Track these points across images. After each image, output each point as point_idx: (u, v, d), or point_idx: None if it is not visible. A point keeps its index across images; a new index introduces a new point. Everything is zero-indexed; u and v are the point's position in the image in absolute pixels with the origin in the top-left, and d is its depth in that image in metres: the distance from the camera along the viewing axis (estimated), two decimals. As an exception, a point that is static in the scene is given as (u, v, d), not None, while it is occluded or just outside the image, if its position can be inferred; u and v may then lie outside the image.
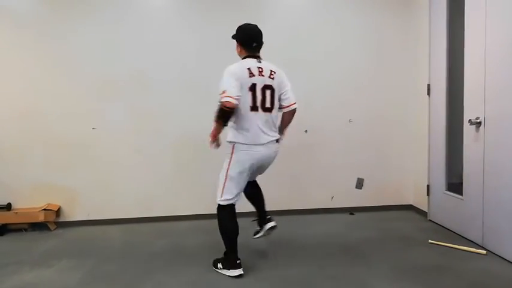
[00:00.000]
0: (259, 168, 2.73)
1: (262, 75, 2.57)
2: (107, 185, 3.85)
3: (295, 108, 2.78)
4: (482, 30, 2.97)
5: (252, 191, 2.95)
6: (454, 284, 2.44)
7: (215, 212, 2.67)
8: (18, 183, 3.76)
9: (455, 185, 3.48)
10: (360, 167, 4.10)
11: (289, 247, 3.12)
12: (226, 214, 2.63)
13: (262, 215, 2.99)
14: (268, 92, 2.59)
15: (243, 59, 2.64)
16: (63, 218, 3.84)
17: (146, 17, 3.82)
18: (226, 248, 2.67)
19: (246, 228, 2.95)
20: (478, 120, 3.01)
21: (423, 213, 3.89)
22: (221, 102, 2.43)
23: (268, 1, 3.95)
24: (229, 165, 2.61)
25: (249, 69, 2.54)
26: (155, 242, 3.33)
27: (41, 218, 3.64)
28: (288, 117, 2.82)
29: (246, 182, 2.68)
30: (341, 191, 4.10)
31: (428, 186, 3.81)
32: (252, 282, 2.53)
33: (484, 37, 2.95)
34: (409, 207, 4.15)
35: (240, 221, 2.67)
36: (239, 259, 2.63)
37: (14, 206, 3.76)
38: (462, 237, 3.25)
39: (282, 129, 2.84)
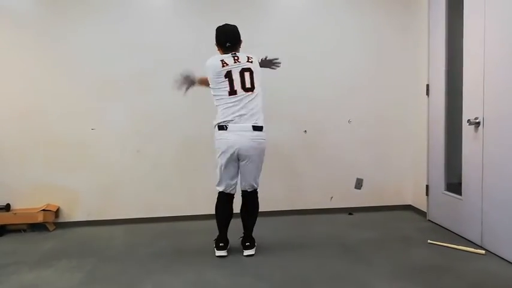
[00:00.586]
0: (244, 157, 2.83)
1: (239, 62, 2.83)
2: (107, 185, 3.85)
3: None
4: (481, 31, 2.98)
5: (243, 210, 3.00)
6: (453, 284, 2.45)
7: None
8: (17, 184, 3.75)
9: (454, 185, 3.48)
10: (359, 167, 4.11)
11: (289, 247, 3.12)
12: (218, 199, 2.96)
13: (243, 238, 3.01)
14: (247, 74, 2.82)
15: None
16: (62, 219, 3.83)
17: (146, 17, 3.82)
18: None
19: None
20: (477, 121, 3.02)
21: (422, 213, 3.90)
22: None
23: (268, 1, 3.96)
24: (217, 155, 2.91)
25: (222, 60, 2.82)
26: (155, 242, 3.33)
27: (39, 218, 3.63)
28: None
29: (228, 169, 2.86)
30: (340, 191, 4.11)
31: (427, 186, 3.82)
32: (252, 282, 2.53)
33: (483, 37, 2.96)
34: (408, 208, 4.16)
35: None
36: (223, 243, 2.94)
37: (13, 206, 3.75)
38: (461, 237, 3.26)
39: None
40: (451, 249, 3.02)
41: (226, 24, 2.94)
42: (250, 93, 2.81)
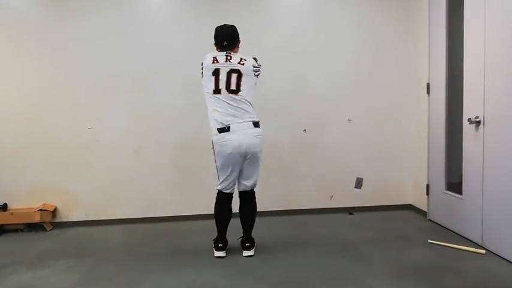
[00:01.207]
0: (249, 154, 2.80)
1: (230, 62, 2.80)
2: (105, 185, 3.82)
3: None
4: (481, 30, 2.96)
5: (242, 210, 2.98)
6: (453, 284, 2.43)
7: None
8: (15, 184, 3.73)
9: (454, 184, 3.47)
10: (359, 167, 4.09)
11: (289, 247, 3.10)
12: (217, 199, 2.94)
13: (243, 239, 2.99)
14: (234, 75, 2.78)
15: None
16: (60, 219, 3.81)
17: (146, 18, 3.80)
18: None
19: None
20: (478, 120, 3.00)
21: (422, 213, 3.88)
22: None
23: (268, 1, 3.94)
24: (215, 158, 2.87)
25: (214, 57, 2.82)
26: (153, 242, 3.31)
27: (36, 218, 3.61)
28: None
29: (234, 171, 2.84)
30: (340, 190, 4.09)
31: (427, 185, 3.80)
32: (252, 282, 2.51)
33: (483, 36, 2.94)
34: (409, 207, 4.14)
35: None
36: (222, 243, 2.92)
37: (10, 206, 3.72)
38: (461, 236, 3.24)
39: None
40: (452, 248, 3.00)
41: (225, 24, 2.95)
42: (234, 95, 2.77)
